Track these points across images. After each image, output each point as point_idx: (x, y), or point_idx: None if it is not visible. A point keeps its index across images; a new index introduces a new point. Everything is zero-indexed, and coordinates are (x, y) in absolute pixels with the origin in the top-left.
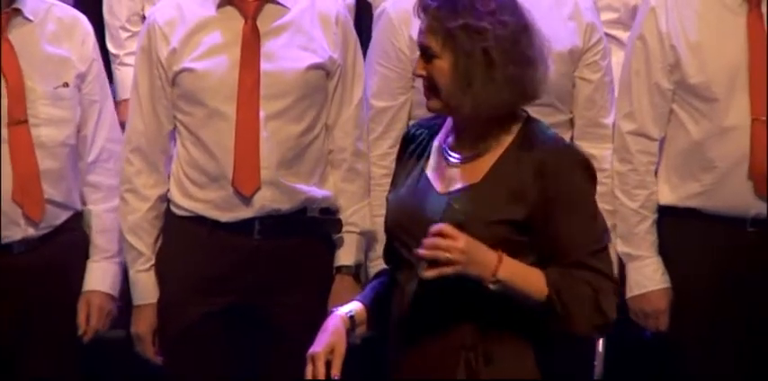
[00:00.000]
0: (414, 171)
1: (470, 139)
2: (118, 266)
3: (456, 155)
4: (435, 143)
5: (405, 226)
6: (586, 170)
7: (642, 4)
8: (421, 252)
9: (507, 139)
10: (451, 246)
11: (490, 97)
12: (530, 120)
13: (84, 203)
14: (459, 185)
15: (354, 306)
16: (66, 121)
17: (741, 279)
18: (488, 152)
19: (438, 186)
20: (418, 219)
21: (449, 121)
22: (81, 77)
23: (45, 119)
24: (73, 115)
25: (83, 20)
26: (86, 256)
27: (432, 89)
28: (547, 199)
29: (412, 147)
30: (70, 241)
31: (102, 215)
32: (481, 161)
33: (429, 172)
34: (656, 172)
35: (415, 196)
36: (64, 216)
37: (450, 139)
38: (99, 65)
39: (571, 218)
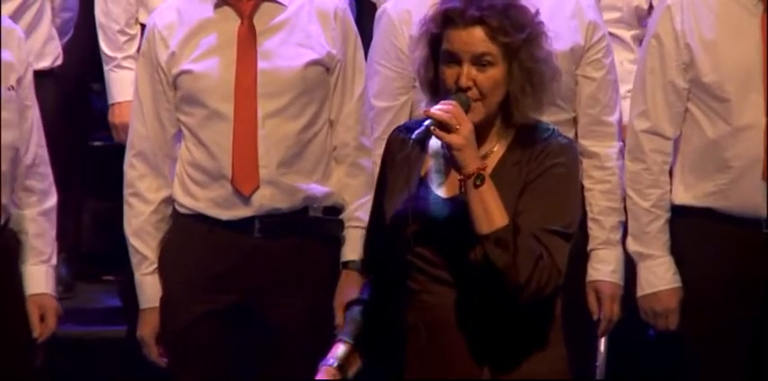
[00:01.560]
0: (410, 176)
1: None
2: (53, 269)
3: None
4: (433, 146)
5: (417, 236)
6: (570, 158)
7: (658, 2)
8: (434, 111)
9: (507, 139)
10: (464, 122)
11: (537, 105)
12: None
13: (17, 207)
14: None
15: (340, 352)
16: (14, 124)
17: (755, 281)
18: (492, 153)
19: (442, 190)
20: (430, 227)
21: None
22: (19, 81)
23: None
24: (16, 118)
25: (15, 25)
26: (18, 258)
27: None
28: (525, 182)
29: (403, 153)
30: (6, 244)
31: (37, 218)
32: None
33: (430, 176)
34: (670, 171)
35: (421, 203)
36: (3, 219)
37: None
38: (31, 70)
39: (537, 196)
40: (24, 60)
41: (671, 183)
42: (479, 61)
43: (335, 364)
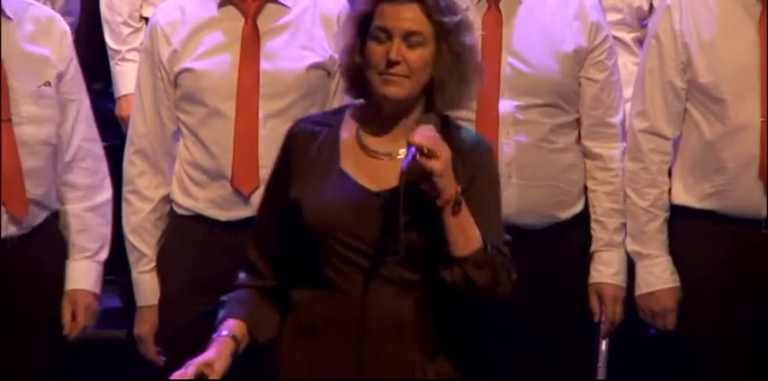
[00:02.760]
0: (328, 170)
1: (394, 133)
2: (99, 265)
3: (381, 151)
4: (345, 138)
5: (346, 228)
6: (491, 159)
7: (659, 2)
8: (418, 138)
9: None
10: (443, 148)
11: (459, 94)
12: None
13: (61, 203)
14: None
15: (231, 325)
16: (47, 120)
17: (754, 281)
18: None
19: (367, 183)
20: (359, 220)
21: (351, 116)
22: (60, 76)
23: (27, 118)
24: (54, 114)
25: (59, 19)
26: (64, 256)
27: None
28: (469, 188)
29: (315, 146)
30: (48, 240)
31: (81, 214)
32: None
33: (348, 169)
34: (669, 171)
35: (346, 196)
36: (42, 215)
37: (366, 134)
38: (76, 63)
39: (484, 213)
40: (66, 55)
41: (670, 183)
42: (410, 39)
43: (230, 335)
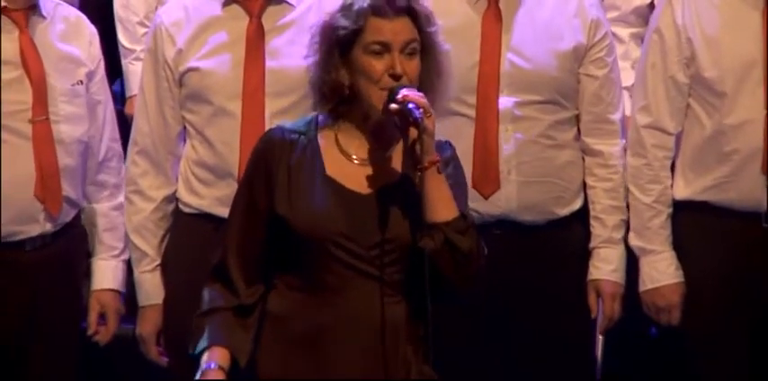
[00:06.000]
0: (314, 178)
1: (380, 139)
2: (124, 264)
3: (365, 157)
4: (325, 147)
5: (343, 233)
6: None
7: None
8: (413, 96)
9: (398, 140)
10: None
11: (436, 102)
12: None
13: (88, 201)
14: (385, 182)
15: (217, 355)
16: (82, 118)
17: (755, 275)
18: (394, 149)
19: (356, 187)
20: (354, 224)
21: (325, 125)
22: (89, 76)
23: (64, 117)
24: (86, 112)
25: (86, 19)
26: (87, 252)
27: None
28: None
29: (294, 155)
30: (75, 237)
31: (108, 213)
32: (392, 158)
33: (335, 176)
34: (673, 166)
35: (338, 202)
36: (73, 213)
37: (346, 141)
38: (103, 65)
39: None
40: (95, 55)
41: (672, 179)
42: (407, 50)
43: (219, 365)
